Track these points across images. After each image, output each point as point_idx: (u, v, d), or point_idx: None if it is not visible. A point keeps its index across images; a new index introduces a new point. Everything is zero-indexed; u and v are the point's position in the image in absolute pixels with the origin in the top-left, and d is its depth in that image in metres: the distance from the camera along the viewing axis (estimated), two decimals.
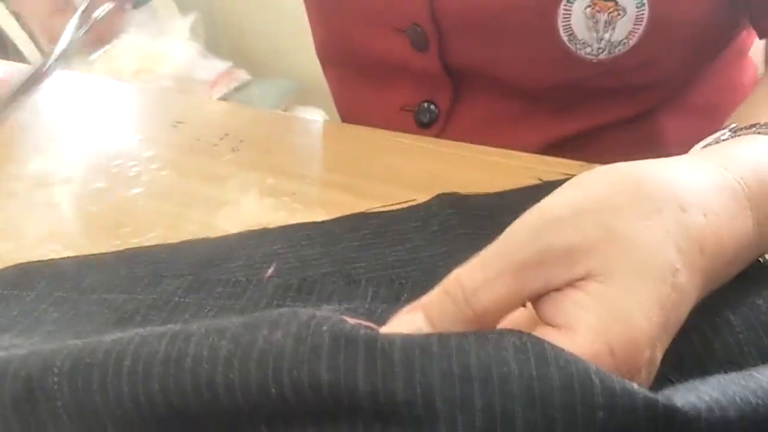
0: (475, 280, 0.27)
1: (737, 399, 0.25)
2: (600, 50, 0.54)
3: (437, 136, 0.61)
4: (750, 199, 0.31)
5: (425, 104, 0.63)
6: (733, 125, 0.37)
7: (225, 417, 0.26)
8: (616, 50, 0.54)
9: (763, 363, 0.30)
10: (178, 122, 0.62)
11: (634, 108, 0.61)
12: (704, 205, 0.29)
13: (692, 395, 0.25)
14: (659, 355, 0.27)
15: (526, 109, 0.62)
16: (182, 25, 1.62)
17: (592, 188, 0.29)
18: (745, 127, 0.37)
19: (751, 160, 0.33)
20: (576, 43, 0.54)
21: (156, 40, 1.57)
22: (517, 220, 0.28)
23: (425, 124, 0.64)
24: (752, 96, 0.44)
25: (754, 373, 0.26)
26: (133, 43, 1.59)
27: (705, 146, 0.38)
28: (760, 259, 0.35)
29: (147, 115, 0.65)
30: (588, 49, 0.54)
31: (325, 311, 0.27)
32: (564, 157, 0.53)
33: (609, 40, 0.53)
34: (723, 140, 0.37)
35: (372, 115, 0.65)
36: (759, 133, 0.36)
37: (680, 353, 0.30)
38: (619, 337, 0.25)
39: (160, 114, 0.65)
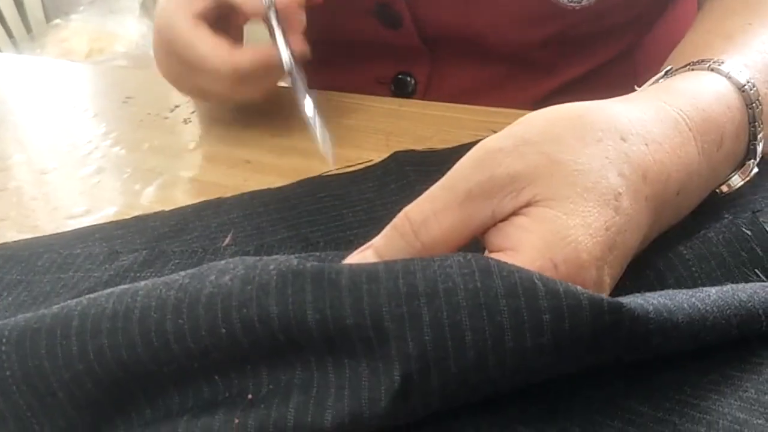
0: (423, 213, 0.27)
1: (685, 305, 0.25)
2: None
3: None
4: (692, 128, 0.31)
5: (403, 76, 0.61)
6: (669, 67, 0.37)
7: (177, 370, 0.26)
8: None
9: None
10: (128, 98, 0.61)
11: (614, 49, 0.61)
12: (645, 135, 0.30)
13: (639, 299, 0.25)
14: (608, 280, 0.27)
15: (509, 73, 0.60)
16: (132, 1, 1.58)
17: (535, 123, 0.29)
18: (680, 68, 0.37)
19: (689, 93, 0.33)
20: None
21: (107, 19, 1.53)
22: (462, 157, 0.28)
23: (403, 97, 0.61)
24: (686, 38, 0.45)
25: (703, 288, 0.27)
26: (83, 24, 1.56)
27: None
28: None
29: (97, 93, 0.64)
30: None
31: (273, 256, 0.27)
32: None
33: None
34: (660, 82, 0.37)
35: (345, 89, 0.63)
36: (693, 69, 0.36)
37: (635, 288, 0.30)
38: (562, 253, 0.26)
39: (109, 91, 0.64)
